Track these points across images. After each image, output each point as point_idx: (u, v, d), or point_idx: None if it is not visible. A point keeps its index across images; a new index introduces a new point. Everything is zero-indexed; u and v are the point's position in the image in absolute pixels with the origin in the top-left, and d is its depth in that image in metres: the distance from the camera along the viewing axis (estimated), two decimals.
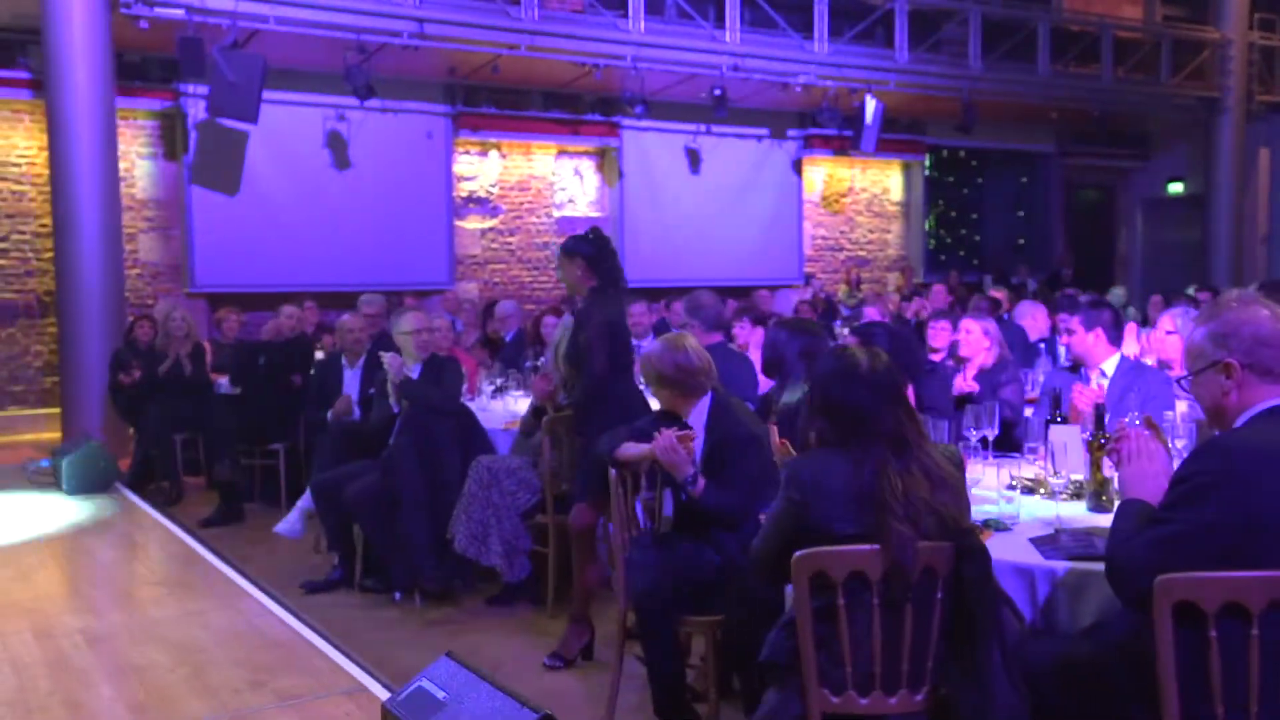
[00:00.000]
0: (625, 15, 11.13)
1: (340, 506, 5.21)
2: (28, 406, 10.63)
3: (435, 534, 4.99)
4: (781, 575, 2.56)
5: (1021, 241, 17.26)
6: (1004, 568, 2.63)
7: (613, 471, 3.65)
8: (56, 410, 9.27)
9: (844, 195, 15.46)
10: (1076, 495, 3.24)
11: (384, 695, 2.87)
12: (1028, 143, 16.38)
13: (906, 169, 15.86)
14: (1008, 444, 4.12)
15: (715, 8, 11.70)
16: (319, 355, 7.47)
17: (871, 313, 9.03)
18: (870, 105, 12.43)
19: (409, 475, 5.03)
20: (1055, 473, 3.18)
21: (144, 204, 11.05)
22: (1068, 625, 2.58)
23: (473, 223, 12.79)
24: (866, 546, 2.40)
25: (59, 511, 5.81)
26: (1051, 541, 2.76)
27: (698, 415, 3.68)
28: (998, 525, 2.95)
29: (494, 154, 12.87)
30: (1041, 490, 3.33)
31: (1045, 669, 2.44)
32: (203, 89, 9.65)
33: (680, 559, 3.50)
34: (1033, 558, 2.68)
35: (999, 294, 10.50)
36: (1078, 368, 4.32)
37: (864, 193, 15.65)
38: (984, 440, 3.71)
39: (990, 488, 3.29)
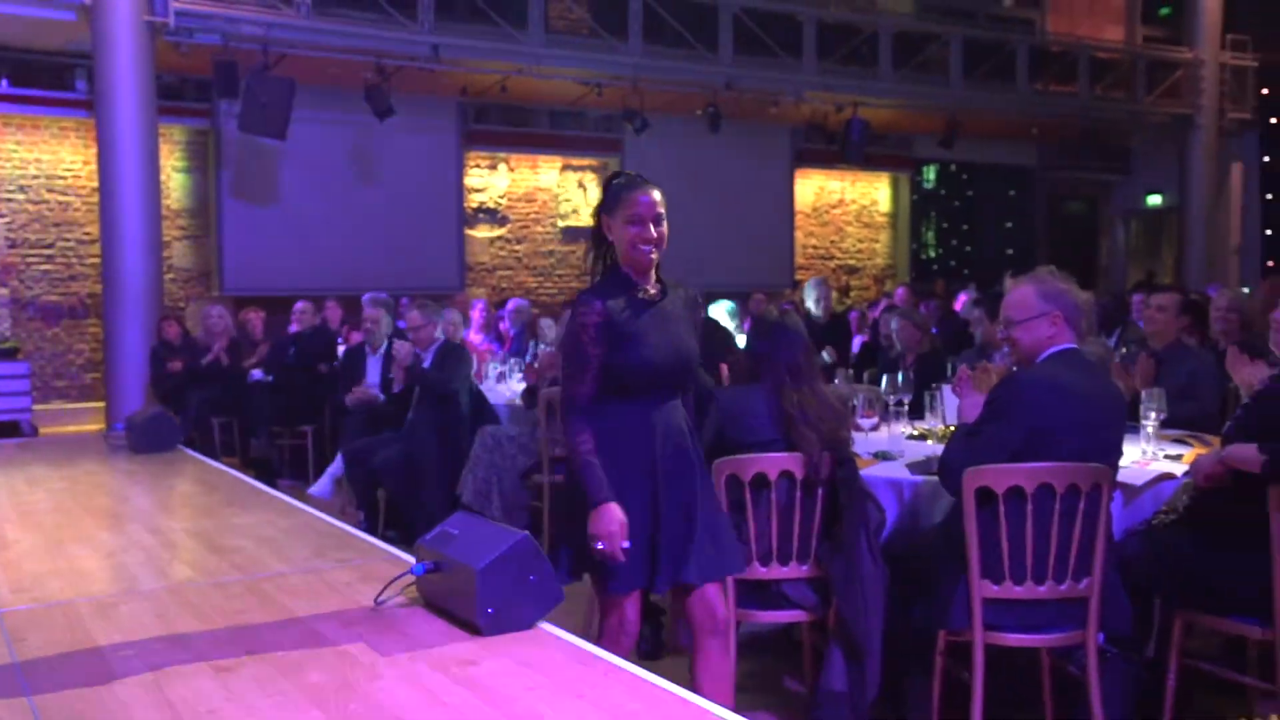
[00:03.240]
0: (625, 39, 11.99)
1: (368, 471, 6.06)
2: (70, 400, 11.51)
3: (449, 492, 5.84)
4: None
5: (1010, 252, 18.05)
6: (884, 481, 3.48)
7: None
8: (98, 404, 10.10)
9: (834, 206, 16.28)
10: None
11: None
12: (1013, 157, 17.18)
13: (894, 182, 16.68)
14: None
15: (710, 31, 12.53)
16: (342, 346, 8.31)
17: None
18: (855, 121, 13.27)
19: (427, 443, 5.89)
20: (942, 422, 4.01)
21: (178, 214, 11.95)
22: (926, 522, 3.41)
23: (482, 231, 13.67)
24: (768, 455, 3.23)
25: (138, 460, 6.64)
26: (920, 465, 3.59)
27: None
28: (886, 456, 3.77)
29: (502, 167, 13.75)
30: (930, 439, 4.15)
31: (902, 554, 3.27)
32: (235, 108, 10.47)
33: None
34: (904, 475, 3.52)
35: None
36: (984, 350, 5.15)
37: (853, 204, 16.48)
38: (900, 403, 4.55)
39: (893, 436, 4.12)
